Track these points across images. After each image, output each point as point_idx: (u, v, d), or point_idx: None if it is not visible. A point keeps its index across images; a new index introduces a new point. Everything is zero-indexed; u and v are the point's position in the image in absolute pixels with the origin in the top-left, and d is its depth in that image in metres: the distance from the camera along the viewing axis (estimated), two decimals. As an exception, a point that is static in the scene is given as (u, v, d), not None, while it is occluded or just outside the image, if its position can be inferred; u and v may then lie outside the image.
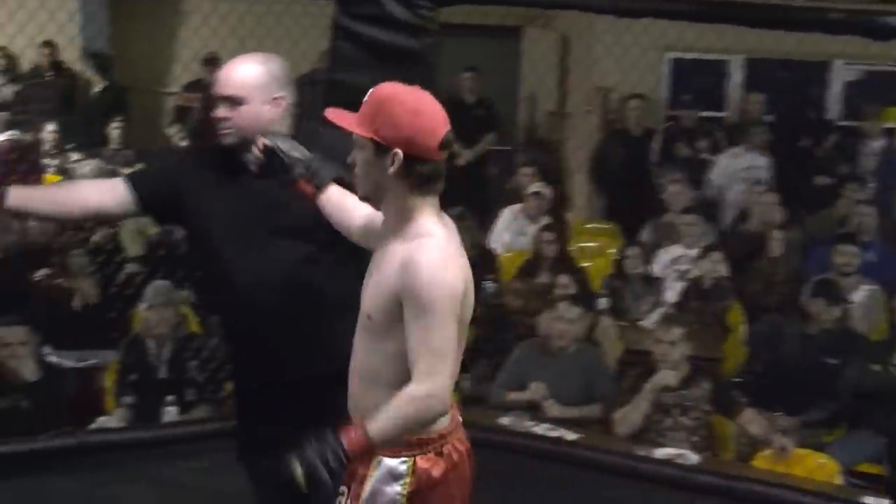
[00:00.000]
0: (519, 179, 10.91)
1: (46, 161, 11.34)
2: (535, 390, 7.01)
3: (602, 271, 9.28)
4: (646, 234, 9.73)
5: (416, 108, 3.23)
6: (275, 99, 3.99)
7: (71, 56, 12.59)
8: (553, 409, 6.99)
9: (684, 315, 7.91)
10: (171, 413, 6.97)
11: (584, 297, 8.08)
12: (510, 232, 10.01)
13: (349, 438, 3.18)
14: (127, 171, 9.66)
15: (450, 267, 3.21)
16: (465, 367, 7.80)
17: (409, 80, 6.04)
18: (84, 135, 12.02)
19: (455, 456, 3.40)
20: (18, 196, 4.01)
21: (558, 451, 6.42)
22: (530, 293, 8.50)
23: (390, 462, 3.35)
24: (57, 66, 12.69)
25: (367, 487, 3.37)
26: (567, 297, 7.46)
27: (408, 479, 3.34)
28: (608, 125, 11.88)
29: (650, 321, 8.48)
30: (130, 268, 8.82)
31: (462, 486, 3.45)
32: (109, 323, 8.18)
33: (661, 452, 6.42)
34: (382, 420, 3.20)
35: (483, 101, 11.91)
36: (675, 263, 9.13)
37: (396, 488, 3.34)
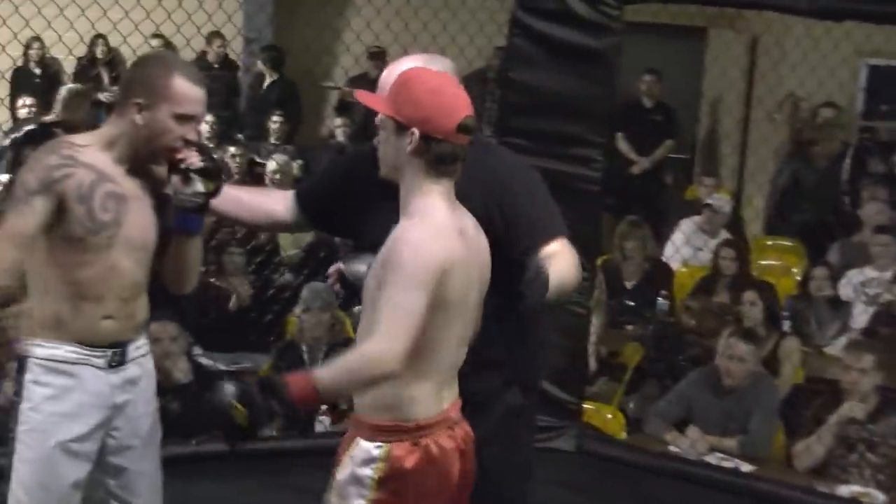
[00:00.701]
0: (698, 190, 10.83)
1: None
2: (692, 434, 6.77)
3: (786, 292, 9.13)
4: (834, 254, 9.54)
5: (436, 89, 3.37)
6: None
7: (235, 48, 12.82)
8: (720, 442, 6.80)
9: (873, 342, 7.71)
10: (323, 423, 6.99)
11: (770, 318, 7.93)
12: (688, 245, 9.91)
13: (295, 381, 3.27)
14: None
15: (435, 242, 3.31)
16: (633, 388, 7.77)
17: (588, 80, 6.12)
18: (253, 128, 12.33)
19: (434, 450, 3.44)
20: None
21: (734, 483, 6.32)
22: (706, 312, 8.40)
23: (366, 445, 3.44)
24: (224, 58, 12.95)
25: (343, 468, 3.48)
26: (739, 332, 7.23)
27: (380, 465, 3.42)
28: (797, 135, 11.69)
29: (836, 347, 8.30)
30: (287, 270, 8.90)
31: (443, 483, 3.49)
32: (265, 326, 8.29)
33: (845, 490, 6.27)
34: (330, 370, 3.33)
35: (662, 106, 11.82)
36: (866, 286, 8.94)
37: (368, 471, 3.43)
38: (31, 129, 9.67)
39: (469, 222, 3.47)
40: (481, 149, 3.87)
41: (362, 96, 3.54)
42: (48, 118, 10.11)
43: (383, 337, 3.25)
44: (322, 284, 7.69)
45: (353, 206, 3.94)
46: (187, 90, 3.70)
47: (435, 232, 3.34)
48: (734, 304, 8.13)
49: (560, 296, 3.72)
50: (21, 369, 3.86)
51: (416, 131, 3.32)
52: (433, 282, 3.28)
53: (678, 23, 11.56)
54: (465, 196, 3.58)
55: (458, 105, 3.37)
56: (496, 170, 3.93)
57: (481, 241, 3.48)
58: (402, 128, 3.36)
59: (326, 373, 3.31)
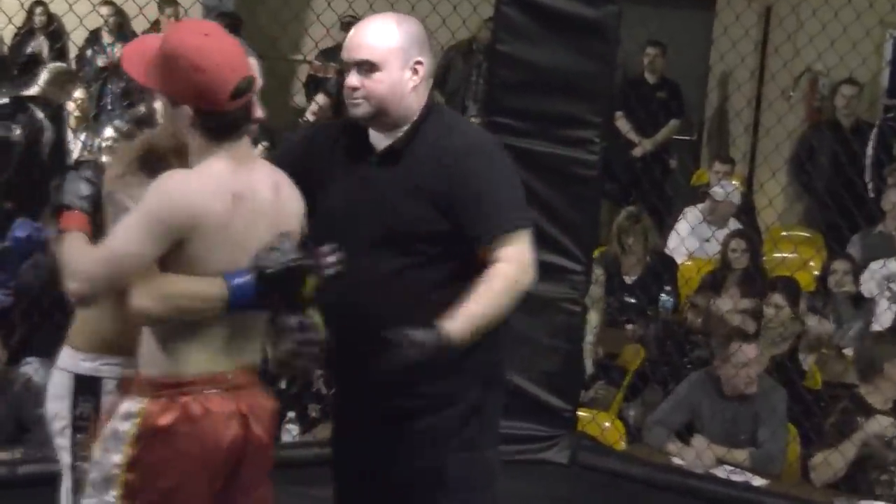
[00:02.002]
0: (706, 175, 10.86)
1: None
2: (698, 444, 6.80)
3: (802, 287, 9.12)
4: (855, 246, 9.57)
5: (197, 65, 3.49)
6: (414, 65, 3.96)
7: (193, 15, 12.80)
8: (729, 454, 6.82)
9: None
10: (290, 432, 7.01)
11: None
12: (694, 236, 9.93)
13: None
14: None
15: (185, 194, 3.50)
16: (633, 393, 7.78)
17: (585, 53, 6.13)
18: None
19: (196, 410, 3.57)
20: None
21: (745, 499, 6.35)
22: (712, 311, 8.42)
23: (128, 401, 3.61)
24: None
25: (109, 423, 3.65)
26: (741, 333, 7.25)
27: (136, 420, 3.57)
28: (815, 115, 11.72)
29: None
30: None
31: (207, 446, 3.59)
32: None
33: (868, 507, 6.32)
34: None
35: (667, 82, 11.90)
36: (891, 281, 8.98)
37: (126, 426, 3.58)
38: (2, 102, 9.77)
39: (265, 189, 3.63)
40: (444, 127, 3.99)
41: (128, 63, 3.68)
42: (26, 92, 10.20)
43: (76, 275, 3.56)
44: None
45: (310, 179, 3.92)
46: None
47: (192, 185, 3.53)
48: (755, 306, 8.14)
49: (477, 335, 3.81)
50: None
51: (187, 108, 3.52)
52: (159, 220, 3.47)
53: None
54: (422, 176, 3.84)
55: (226, 74, 3.51)
56: (455, 149, 3.95)
57: (281, 211, 3.65)
58: (174, 102, 3.57)
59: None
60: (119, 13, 12.98)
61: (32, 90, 10.32)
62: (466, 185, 3.89)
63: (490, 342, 3.94)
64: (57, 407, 3.92)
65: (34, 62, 12.98)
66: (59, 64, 11.73)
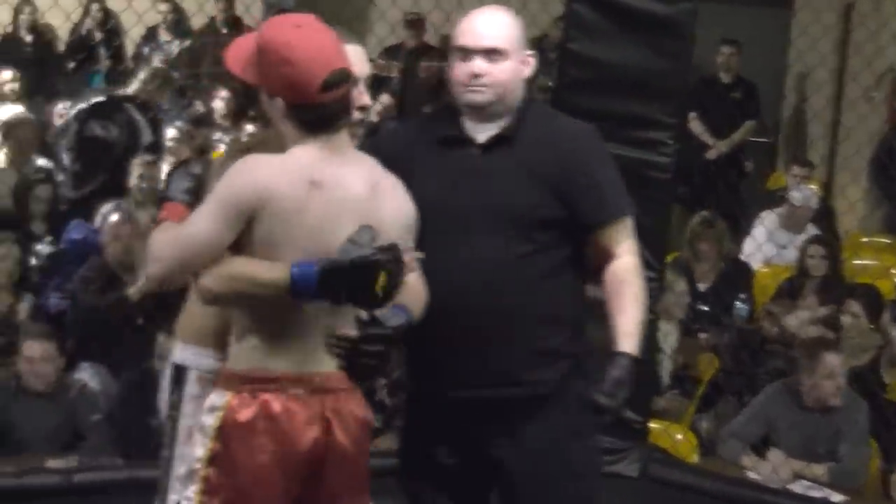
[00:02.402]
0: (784, 178, 10.81)
1: (218, 135, 11.61)
2: (774, 458, 6.78)
3: (883, 296, 9.08)
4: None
5: (287, 58, 3.62)
6: (527, 56, 4.14)
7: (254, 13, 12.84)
8: (808, 469, 6.78)
9: None
10: None
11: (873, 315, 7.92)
12: (771, 242, 9.88)
13: None
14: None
15: (251, 173, 3.64)
16: (706, 404, 7.75)
17: (658, 52, 6.13)
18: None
19: (277, 408, 3.64)
20: None
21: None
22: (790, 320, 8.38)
23: (214, 394, 3.71)
24: (234, 21, 13.03)
25: (197, 417, 3.79)
26: (825, 342, 7.21)
27: (219, 413, 3.67)
28: (896, 117, 11.67)
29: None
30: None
31: (283, 446, 3.65)
32: None
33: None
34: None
35: (742, 82, 11.80)
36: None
37: (210, 420, 3.69)
38: (99, 101, 9.84)
39: (355, 184, 3.70)
40: (547, 115, 4.26)
41: (231, 60, 3.80)
42: (123, 91, 10.29)
43: (154, 258, 3.71)
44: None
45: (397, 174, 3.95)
46: None
47: (262, 167, 3.66)
48: (833, 314, 8.09)
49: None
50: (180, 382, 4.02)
51: (279, 100, 3.67)
52: (240, 208, 3.60)
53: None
54: (536, 162, 4.00)
55: (315, 67, 3.61)
56: (567, 134, 4.17)
57: (375, 210, 3.69)
58: (269, 94, 3.71)
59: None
60: (177, 10, 13.08)
61: (130, 89, 10.41)
62: (582, 169, 4.06)
63: (586, 336, 4.16)
64: (161, 398, 4.09)
65: (90, 59, 13.11)
66: (158, 65, 11.87)
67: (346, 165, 3.71)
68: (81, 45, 13.18)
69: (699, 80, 10.90)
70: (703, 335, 8.39)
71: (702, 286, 8.87)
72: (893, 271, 9.65)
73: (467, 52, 4.04)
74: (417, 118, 5.16)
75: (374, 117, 11.91)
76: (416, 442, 4.32)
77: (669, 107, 6.24)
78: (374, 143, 4.42)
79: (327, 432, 3.67)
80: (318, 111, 3.67)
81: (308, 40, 3.67)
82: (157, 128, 10.22)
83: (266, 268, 3.56)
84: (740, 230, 10.07)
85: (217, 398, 3.70)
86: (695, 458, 6.95)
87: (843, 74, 12.82)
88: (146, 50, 13.10)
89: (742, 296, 8.78)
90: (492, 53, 4.02)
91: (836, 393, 6.83)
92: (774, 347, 8.16)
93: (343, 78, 3.67)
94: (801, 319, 8.21)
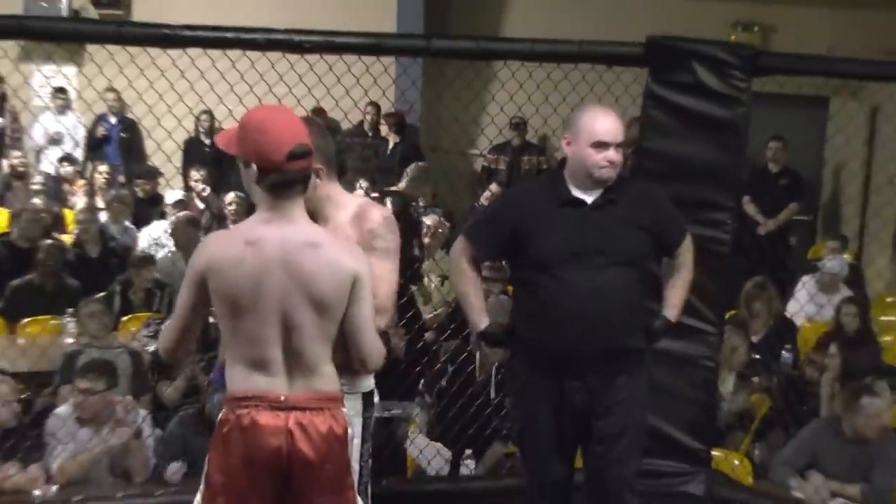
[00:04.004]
0: (821, 249, 10.72)
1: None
2: (815, 482, 6.65)
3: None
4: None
5: (263, 128, 3.74)
6: None
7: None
8: (842, 488, 6.63)
9: None
10: (468, 466, 6.95)
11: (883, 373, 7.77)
12: (811, 303, 9.78)
13: None
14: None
15: (204, 247, 3.83)
16: (759, 436, 7.66)
17: (719, 147, 6.13)
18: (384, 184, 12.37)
19: (246, 421, 3.75)
20: None
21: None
22: (828, 367, 8.26)
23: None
24: (377, 127, 13.18)
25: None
26: (867, 390, 7.07)
27: (217, 427, 3.85)
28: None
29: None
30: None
31: (252, 454, 3.74)
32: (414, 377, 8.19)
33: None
34: None
35: (787, 170, 11.74)
36: None
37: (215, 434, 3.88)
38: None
39: (284, 236, 3.77)
40: (625, 181, 4.92)
41: (219, 139, 3.93)
42: (393, 188, 10.63)
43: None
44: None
45: (523, 231, 4.85)
46: None
47: (213, 239, 3.88)
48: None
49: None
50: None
51: (253, 166, 3.74)
52: (197, 278, 3.77)
53: (803, 93, 11.42)
54: (636, 215, 4.81)
55: (283, 139, 3.72)
56: (647, 193, 5.02)
57: (300, 261, 3.76)
58: (246, 163, 3.79)
59: None
60: (324, 114, 13.06)
61: (398, 186, 10.64)
62: (664, 216, 4.95)
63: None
64: None
65: None
66: (421, 163, 12.02)
67: (285, 227, 3.76)
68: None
69: (752, 169, 10.85)
70: (755, 379, 8.30)
71: (755, 339, 8.77)
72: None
73: (606, 145, 4.71)
74: (532, 184, 5.56)
75: (484, 202, 11.94)
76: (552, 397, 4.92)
77: (729, 192, 6.19)
78: (515, 199, 5.18)
79: (289, 442, 3.73)
80: (282, 176, 3.73)
81: (280, 120, 3.77)
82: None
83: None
84: (786, 293, 9.97)
85: (221, 416, 3.86)
86: (750, 481, 6.86)
87: (870, 165, 12.70)
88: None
89: (788, 346, 8.68)
90: (619, 145, 4.74)
91: (877, 429, 6.71)
92: (815, 389, 8.06)
93: (305, 152, 3.76)
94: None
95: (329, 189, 4.23)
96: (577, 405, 4.84)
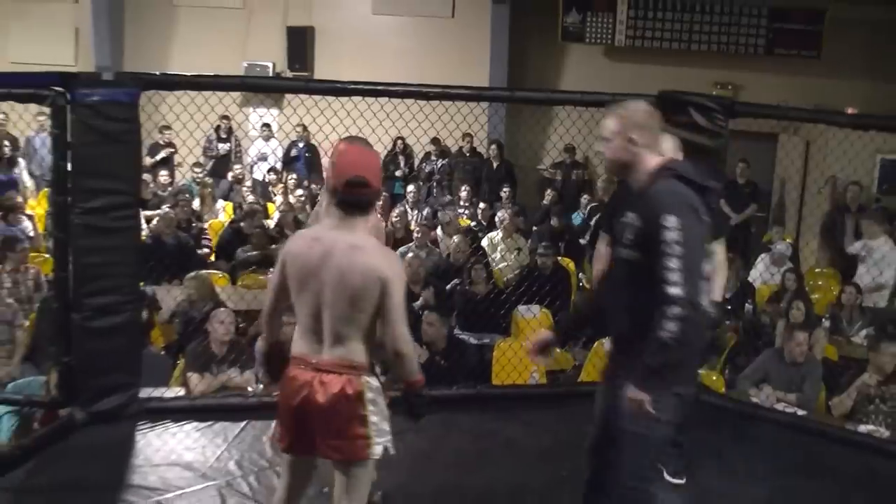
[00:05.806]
0: (771, 235, 10.66)
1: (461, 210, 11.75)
2: (766, 392, 6.65)
3: (828, 301, 8.95)
4: (859, 277, 9.27)
5: (333, 162, 3.47)
6: None
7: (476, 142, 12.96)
8: (785, 397, 6.65)
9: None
10: (534, 377, 6.82)
11: (809, 321, 7.77)
12: (766, 272, 9.77)
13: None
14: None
15: (288, 242, 3.57)
16: (729, 360, 7.66)
17: (707, 167, 6.09)
18: (490, 193, 12.40)
19: (290, 374, 3.52)
20: None
21: (793, 423, 6.19)
22: (776, 314, 8.27)
23: None
24: (473, 150, 13.07)
25: None
26: (799, 325, 7.08)
27: None
28: (834, 203, 11.41)
29: (859, 337, 8.17)
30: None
31: (287, 397, 3.53)
32: (501, 314, 8.17)
33: (864, 428, 6.14)
34: None
35: (750, 182, 11.64)
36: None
37: None
38: None
39: (339, 238, 3.45)
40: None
41: (326, 170, 3.74)
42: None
43: None
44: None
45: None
46: None
47: (295, 235, 3.61)
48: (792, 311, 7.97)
49: None
50: None
51: (331, 188, 3.49)
52: (280, 264, 3.54)
53: (762, 130, 11.43)
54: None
55: (345, 171, 3.42)
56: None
57: (342, 257, 3.42)
58: (326, 185, 3.59)
59: None
60: (437, 142, 12.87)
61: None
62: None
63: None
64: None
65: (394, 168, 13.11)
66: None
67: (343, 233, 3.46)
68: (391, 161, 13.14)
69: (727, 181, 10.80)
70: (728, 322, 8.32)
71: (727, 295, 8.76)
72: (833, 290, 9.45)
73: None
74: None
75: (546, 201, 11.83)
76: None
77: (710, 198, 6.18)
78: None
79: (311, 394, 3.46)
80: (343, 197, 3.45)
81: (348, 155, 3.48)
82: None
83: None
84: (748, 265, 9.94)
85: None
86: (722, 390, 6.88)
87: (805, 179, 12.59)
88: (424, 165, 13.07)
89: (749, 301, 8.68)
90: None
91: (804, 354, 6.76)
92: (767, 329, 8.08)
93: (360, 182, 3.44)
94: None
95: None
96: None
